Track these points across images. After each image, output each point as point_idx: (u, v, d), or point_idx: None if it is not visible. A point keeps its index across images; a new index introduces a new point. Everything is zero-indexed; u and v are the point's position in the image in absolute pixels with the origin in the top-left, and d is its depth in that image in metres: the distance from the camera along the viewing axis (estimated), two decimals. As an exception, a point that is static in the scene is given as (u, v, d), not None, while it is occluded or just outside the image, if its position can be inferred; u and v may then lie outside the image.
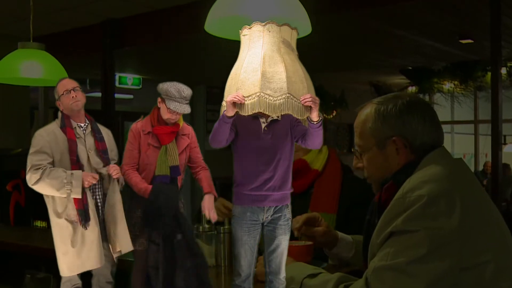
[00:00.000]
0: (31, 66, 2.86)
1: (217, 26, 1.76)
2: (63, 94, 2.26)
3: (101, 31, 5.68)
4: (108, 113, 5.80)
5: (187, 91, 1.89)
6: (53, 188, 2.15)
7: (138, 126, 1.94)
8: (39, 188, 2.16)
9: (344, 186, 2.59)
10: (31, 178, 2.16)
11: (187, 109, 1.89)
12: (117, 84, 8.13)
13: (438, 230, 1.44)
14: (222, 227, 2.51)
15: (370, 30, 5.98)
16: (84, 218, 2.12)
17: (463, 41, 6.44)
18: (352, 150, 1.88)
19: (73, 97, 2.26)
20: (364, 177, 1.83)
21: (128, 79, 8.88)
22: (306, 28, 1.73)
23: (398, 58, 7.86)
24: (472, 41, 6.41)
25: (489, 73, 6.59)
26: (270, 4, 1.62)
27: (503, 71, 7.56)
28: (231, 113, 1.48)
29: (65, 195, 2.17)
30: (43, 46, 2.94)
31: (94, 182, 2.19)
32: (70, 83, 2.29)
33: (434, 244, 1.43)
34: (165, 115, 1.91)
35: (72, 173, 2.17)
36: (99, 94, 6.17)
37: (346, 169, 2.68)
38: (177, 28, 5.24)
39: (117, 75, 8.37)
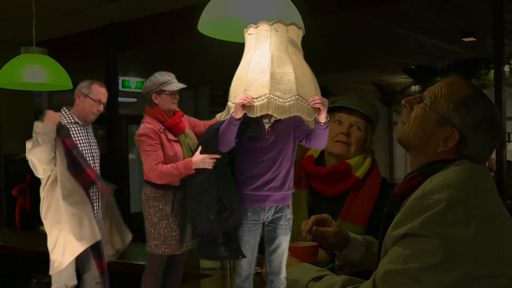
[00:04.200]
0: (35, 71, 2.86)
1: (210, 27, 1.72)
2: (95, 101, 2.33)
3: (104, 35, 5.70)
4: (111, 117, 5.82)
5: (166, 73, 1.96)
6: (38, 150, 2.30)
7: (151, 127, 1.88)
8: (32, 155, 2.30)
9: (380, 201, 2.45)
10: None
11: (181, 85, 1.92)
12: (120, 87, 8.15)
13: (453, 239, 1.41)
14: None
15: (373, 30, 5.97)
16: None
17: (466, 39, 6.42)
18: (406, 103, 1.73)
19: (98, 110, 2.35)
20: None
21: (132, 83, 8.91)
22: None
23: (401, 57, 7.85)
24: (475, 39, 6.39)
25: (492, 71, 6.58)
26: (264, 5, 1.57)
27: (506, 68, 7.54)
28: (239, 115, 1.46)
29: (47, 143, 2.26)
30: (46, 51, 2.94)
31: (59, 117, 2.28)
32: (105, 96, 2.39)
33: (448, 253, 1.40)
34: (168, 103, 1.91)
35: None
36: (102, 98, 6.18)
37: (385, 184, 2.56)
38: (179, 31, 5.25)
39: (120, 79, 8.38)
